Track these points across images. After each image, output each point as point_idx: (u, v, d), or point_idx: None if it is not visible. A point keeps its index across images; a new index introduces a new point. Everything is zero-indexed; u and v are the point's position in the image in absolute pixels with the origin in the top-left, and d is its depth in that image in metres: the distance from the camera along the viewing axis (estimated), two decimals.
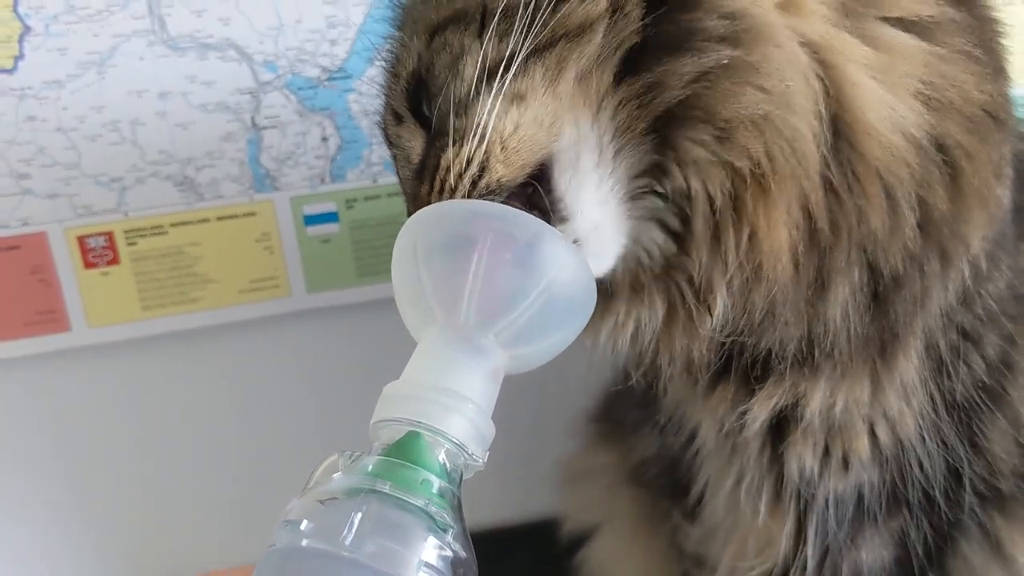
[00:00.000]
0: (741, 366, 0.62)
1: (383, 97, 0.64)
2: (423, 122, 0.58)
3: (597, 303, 0.56)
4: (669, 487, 0.80)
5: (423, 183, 0.55)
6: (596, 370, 0.65)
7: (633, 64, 0.52)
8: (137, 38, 0.85)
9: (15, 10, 0.83)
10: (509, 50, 0.51)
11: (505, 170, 0.51)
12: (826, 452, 0.64)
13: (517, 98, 0.51)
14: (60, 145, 0.87)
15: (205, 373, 0.98)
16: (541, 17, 0.51)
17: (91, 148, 0.87)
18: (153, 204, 0.90)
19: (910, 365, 0.61)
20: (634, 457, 0.85)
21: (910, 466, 0.64)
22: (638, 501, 0.86)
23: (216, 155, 0.90)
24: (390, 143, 0.62)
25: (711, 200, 0.53)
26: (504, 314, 0.47)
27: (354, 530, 0.41)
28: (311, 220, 0.94)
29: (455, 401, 0.45)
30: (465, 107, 0.52)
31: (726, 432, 0.66)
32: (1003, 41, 0.60)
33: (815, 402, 0.62)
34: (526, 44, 0.51)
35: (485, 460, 0.47)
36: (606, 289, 0.59)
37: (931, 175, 0.55)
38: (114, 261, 0.91)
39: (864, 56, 0.53)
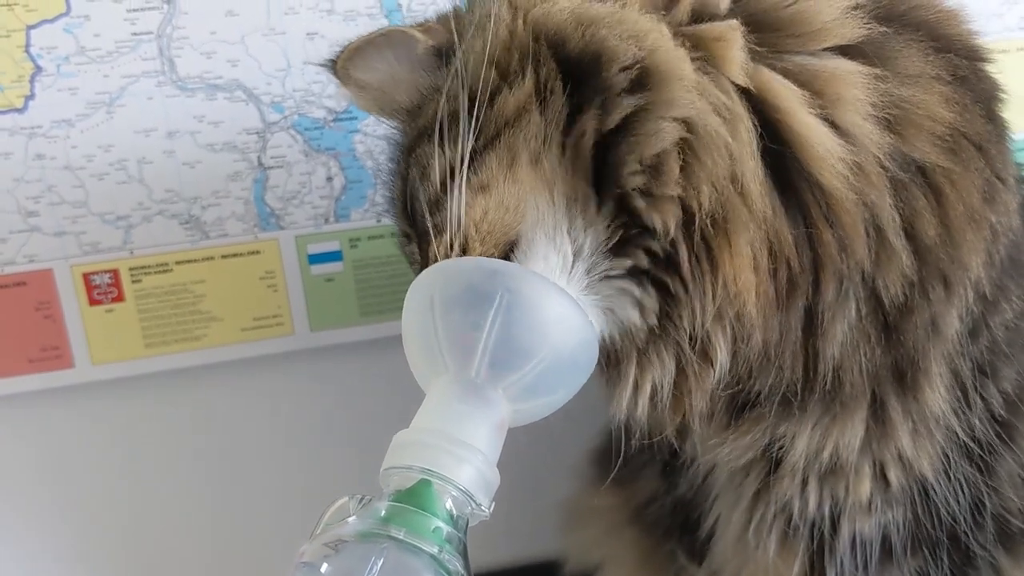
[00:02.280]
0: (736, 405, 0.62)
1: (395, 224, 0.68)
2: None
3: (606, 372, 0.58)
4: (676, 527, 0.79)
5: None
6: (598, 411, 0.65)
7: (573, 138, 0.55)
8: (146, 78, 0.86)
9: (27, 50, 0.84)
10: (461, 149, 0.55)
11: (483, 248, 0.54)
12: (832, 494, 0.64)
13: (481, 189, 0.55)
14: (68, 183, 0.88)
15: (208, 411, 0.98)
16: (483, 113, 0.55)
17: (99, 186, 0.88)
18: (159, 242, 0.91)
19: (937, 395, 0.61)
20: (638, 498, 0.84)
21: (936, 504, 0.64)
22: (640, 542, 0.86)
23: (222, 194, 0.91)
24: (410, 263, 0.67)
25: (685, 245, 0.55)
26: (515, 370, 0.49)
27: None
28: (315, 259, 0.94)
29: (465, 451, 0.47)
30: (437, 205, 0.56)
31: (733, 470, 0.66)
32: (985, 67, 0.61)
33: (800, 444, 0.62)
34: (478, 140, 0.55)
35: (491, 511, 0.48)
36: (612, 357, 0.59)
37: (916, 201, 0.56)
38: (118, 298, 0.92)
39: (798, 92, 0.55)
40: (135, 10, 0.84)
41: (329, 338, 0.96)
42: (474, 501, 0.46)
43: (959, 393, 0.62)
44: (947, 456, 0.63)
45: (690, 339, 0.57)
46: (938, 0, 0.62)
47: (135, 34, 0.85)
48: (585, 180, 0.55)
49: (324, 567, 0.43)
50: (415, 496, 0.45)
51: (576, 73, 0.55)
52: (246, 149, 0.90)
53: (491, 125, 0.55)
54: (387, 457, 0.47)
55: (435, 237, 0.56)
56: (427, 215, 0.57)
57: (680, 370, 0.58)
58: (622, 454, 0.63)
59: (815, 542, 0.66)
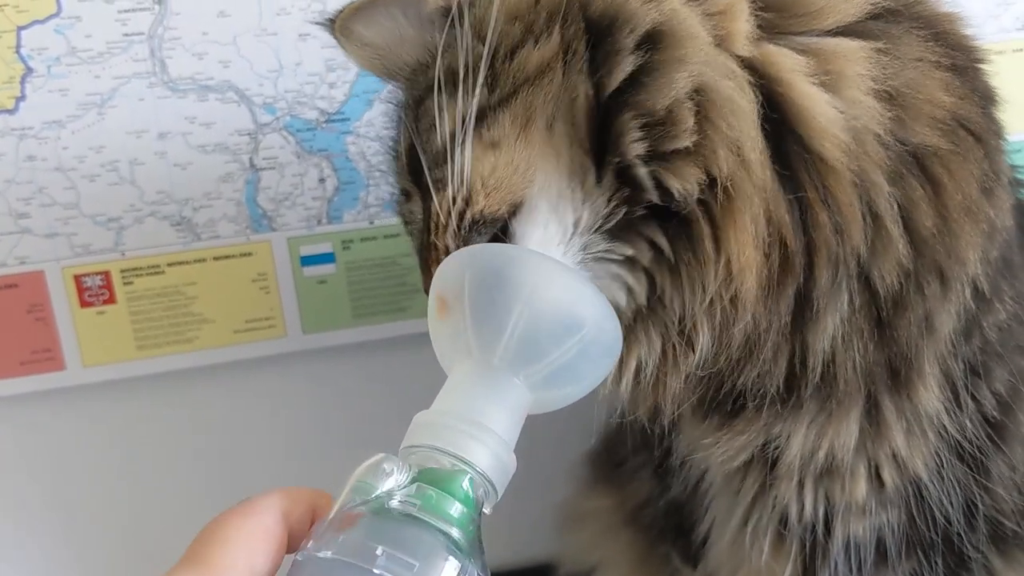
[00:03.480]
0: (721, 400, 0.62)
1: (395, 182, 0.67)
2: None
3: None
4: (671, 530, 0.79)
5: (423, 233, 0.57)
6: (596, 412, 0.65)
7: (576, 102, 0.54)
8: (138, 80, 0.86)
9: (18, 52, 0.83)
10: (476, 102, 0.54)
11: (487, 202, 0.53)
12: (827, 496, 0.64)
13: (492, 146, 0.54)
14: (59, 185, 0.87)
15: (200, 413, 0.98)
16: (502, 67, 0.54)
17: (90, 188, 0.88)
18: (150, 244, 0.90)
19: (930, 395, 0.60)
20: (634, 500, 0.84)
21: (930, 505, 0.64)
22: (635, 544, 0.86)
23: (214, 195, 0.90)
24: (406, 223, 0.66)
25: (700, 214, 0.54)
26: (539, 359, 0.49)
27: (384, 550, 0.42)
28: (307, 261, 0.94)
29: (485, 435, 0.47)
30: (444, 158, 0.55)
31: (729, 472, 0.65)
32: (981, 67, 0.61)
33: (795, 444, 0.62)
34: (492, 95, 0.54)
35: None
36: None
37: (913, 191, 0.56)
38: (110, 300, 0.91)
39: (803, 66, 0.55)
40: (126, 11, 0.84)
41: (321, 340, 0.96)
42: (490, 483, 0.46)
43: (951, 393, 0.62)
44: (940, 456, 0.63)
45: (677, 321, 0.57)
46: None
47: (126, 35, 0.85)
48: (583, 149, 0.54)
49: (340, 539, 0.43)
50: (435, 476, 0.45)
51: (595, 35, 0.54)
52: (238, 150, 0.90)
53: (508, 81, 0.54)
54: (407, 436, 0.47)
55: (438, 191, 0.55)
56: (431, 168, 0.55)
57: (663, 350, 0.58)
58: (611, 442, 0.62)
59: (808, 545, 0.66)
